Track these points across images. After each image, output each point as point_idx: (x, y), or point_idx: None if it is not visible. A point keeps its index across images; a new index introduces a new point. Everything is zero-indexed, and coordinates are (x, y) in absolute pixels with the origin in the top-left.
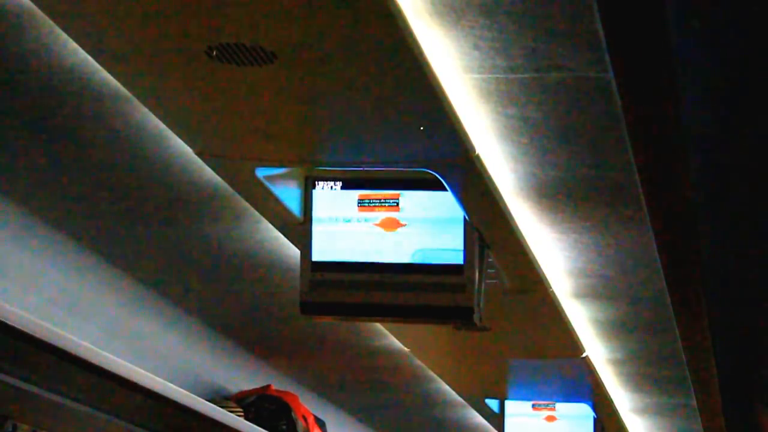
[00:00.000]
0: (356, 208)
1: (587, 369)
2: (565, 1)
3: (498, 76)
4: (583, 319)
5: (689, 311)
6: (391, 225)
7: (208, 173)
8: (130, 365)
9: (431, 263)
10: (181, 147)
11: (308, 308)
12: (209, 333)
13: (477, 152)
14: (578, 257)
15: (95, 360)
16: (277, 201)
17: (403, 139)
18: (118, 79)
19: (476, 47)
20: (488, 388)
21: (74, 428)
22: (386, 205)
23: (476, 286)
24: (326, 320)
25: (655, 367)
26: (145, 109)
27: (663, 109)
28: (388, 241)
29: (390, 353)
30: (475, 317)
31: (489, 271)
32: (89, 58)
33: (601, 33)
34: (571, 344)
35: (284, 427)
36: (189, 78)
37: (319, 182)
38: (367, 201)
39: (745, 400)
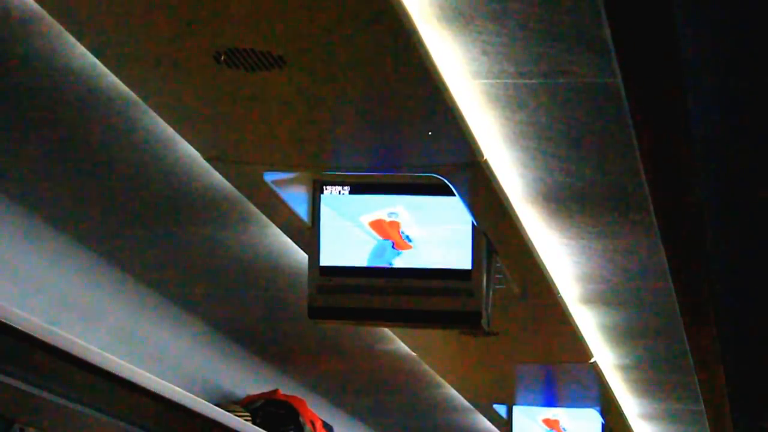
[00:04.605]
0: (364, 212)
1: (595, 374)
2: (573, 6)
3: (506, 81)
4: (591, 324)
5: (697, 317)
6: (398, 234)
7: (217, 177)
8: (137, 369)
9: (439, 268)
10: (189, 151)
11: (316, 313)
12: (217, 337)
13: (485, 157)
14: (586, 262)
15: (102, 363)
16: (285, 205)
17: (411, 144)
18: (127, 83)
19: (484, 52)
20: (496, 394)
21: None
22: (394, 209)
23: (484, 291)
24: (334, 325)
25: (663, 373)
26: (154, 113)
27: (671, 113)
28: (395, 251)
29: (397, 358)
30: (483, 322)
31: (497, 276)
32: (97, 62)
33: (609, 38)
34: (579, 350)
35: (292, 431)
36: (197, 82)
37: (327, 187)
38: (375, 205)
39: (753, 405)
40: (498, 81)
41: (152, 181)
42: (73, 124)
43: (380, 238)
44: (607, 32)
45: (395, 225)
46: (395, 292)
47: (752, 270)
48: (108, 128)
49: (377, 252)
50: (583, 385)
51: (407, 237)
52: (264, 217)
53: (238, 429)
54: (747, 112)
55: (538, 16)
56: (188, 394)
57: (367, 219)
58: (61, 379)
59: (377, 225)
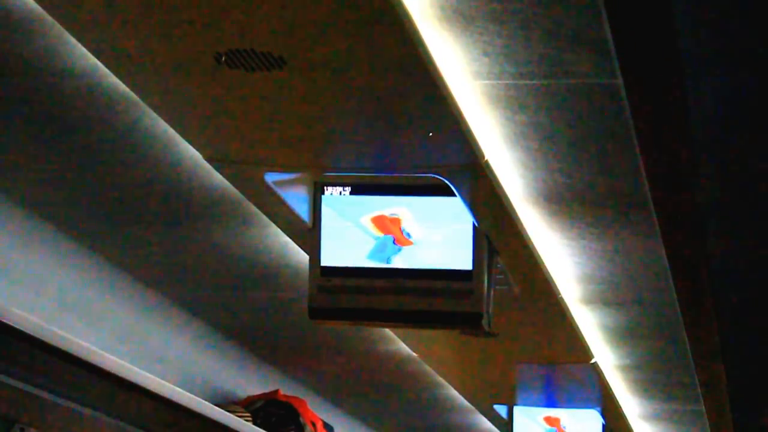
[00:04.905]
0: (365, 213)
1: (596, 375)
2: (575, 7)
3: (507, 82)
4: (591, 324)
5: (698, 317)
6: (399, 230)
7: (217, 178)
8: (138, 369)
9: (440, 269)
10: (190, 152)
11: (316, 313)
12: (217, 337)
13: (486, 158)
14: (587, 263)
15: (103, 364)
16: (286, 206)
17: (412, 144)
18: (127, 84)
19: (485, 53)
20: (497, 394)
21: None
22: (395, 210)
23: (485, 292)
24: (335, 325)
25: (663, 373)
26: (154, 114)
27: (672, 114)
28: (396, 246)
29: (398, 358)
30: (484, 323)
31: (498, 276)
32: (98, 62)
33: (610, 39)
34: (579, 350)
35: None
36: (198, 83)
37: (328, 187)
38: (375, 206)
39: (754, 406)
40: (499, 81)
41: (152, 182)
42: (73, 124)
43: (381, 234)
44: (607, 32)
45: (396, 221)
46: (396, 293)
47: (752, 270)
48: (108, 129)
49: (378, 247)
50: (584, 385)
51: (408, 234)
52: (264, 218)
53: (238, 429)
54: (747, 112)
55: (539, 17)
56: (188, 394)
57: (368, 217)
58: (61, 379)
59: (379, 220)
